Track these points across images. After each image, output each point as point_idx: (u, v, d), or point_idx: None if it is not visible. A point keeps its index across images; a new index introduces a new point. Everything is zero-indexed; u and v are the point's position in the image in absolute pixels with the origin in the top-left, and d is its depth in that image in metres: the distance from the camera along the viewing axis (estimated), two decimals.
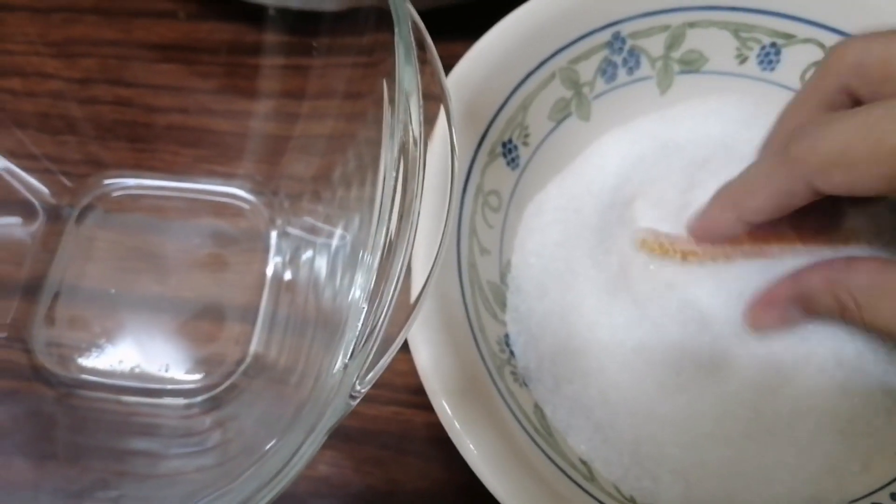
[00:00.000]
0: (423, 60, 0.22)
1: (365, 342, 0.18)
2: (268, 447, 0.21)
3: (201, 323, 0.30)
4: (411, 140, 0.19)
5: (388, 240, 0.18)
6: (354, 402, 0.18)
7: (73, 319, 0.30)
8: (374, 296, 0.18)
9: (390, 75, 0.20)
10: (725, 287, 0.28)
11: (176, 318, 0.30)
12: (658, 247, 0.28)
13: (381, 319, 0.18)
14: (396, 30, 0.21)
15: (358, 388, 0.18)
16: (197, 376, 0.29)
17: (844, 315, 0.23)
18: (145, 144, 0.34)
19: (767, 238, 0.27)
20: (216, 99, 0.35)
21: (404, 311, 0.20)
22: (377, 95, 0.22)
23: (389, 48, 0.20)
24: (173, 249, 0.31)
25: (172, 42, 0.37)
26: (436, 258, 0.20)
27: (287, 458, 0.17)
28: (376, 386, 0.30)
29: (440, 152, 0.25)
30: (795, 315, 0.25)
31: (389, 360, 0.19)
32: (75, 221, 0.32)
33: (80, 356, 0.29)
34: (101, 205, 0.32)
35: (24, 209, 0.32)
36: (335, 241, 0.28)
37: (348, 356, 0.18)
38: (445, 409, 0.23)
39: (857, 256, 0.24)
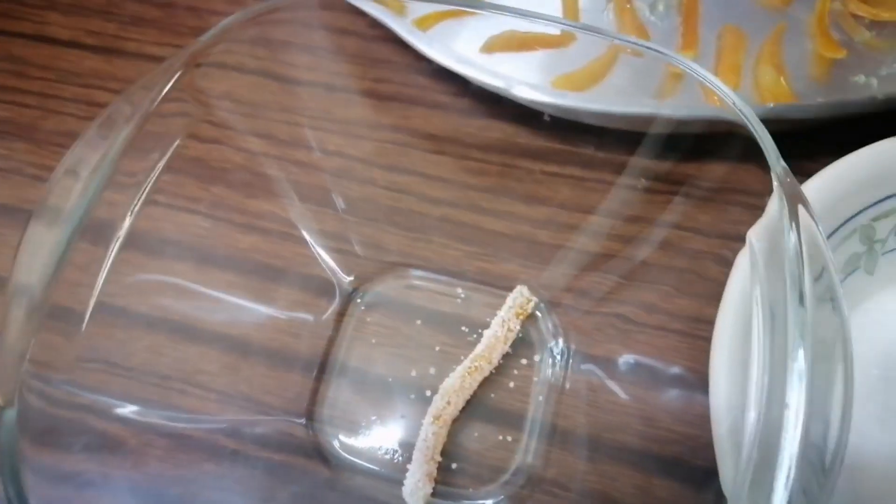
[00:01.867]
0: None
1: None
2: None
3: (478, 425, 0.31)
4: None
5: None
6: None
7: (353, 403, 0.31)
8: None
9: (748, 224, 0.21)
10: None
11: (454, 417, 0.30)
12: None
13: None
14: (777, 186, 0.21)
15: None
16: (474, 481, 0.29)
17: None
18: (420, 234, 0.35)
19: None
20: (485, 197, 0.36)
21: None
22: (731, 240, 0.23)
23: (743, 192, 0.21)
24: (455, 346, 0.32)
25: (444, 134, 0.38)
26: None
27: None
28: None
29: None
30: None
31: None
32: (360, 304, 0.33)
33: (355, 442, 0.30)
34: (380, 289, 0.34)
35: (307, 285, 0.34)
36: (635, 368, 0.29)
37: None
38: None
39: None
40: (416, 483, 0.28)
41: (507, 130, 0.38)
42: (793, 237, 0.20)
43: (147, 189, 0.26)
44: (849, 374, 0.20)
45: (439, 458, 0.29)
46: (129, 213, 0.26)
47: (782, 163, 0.21)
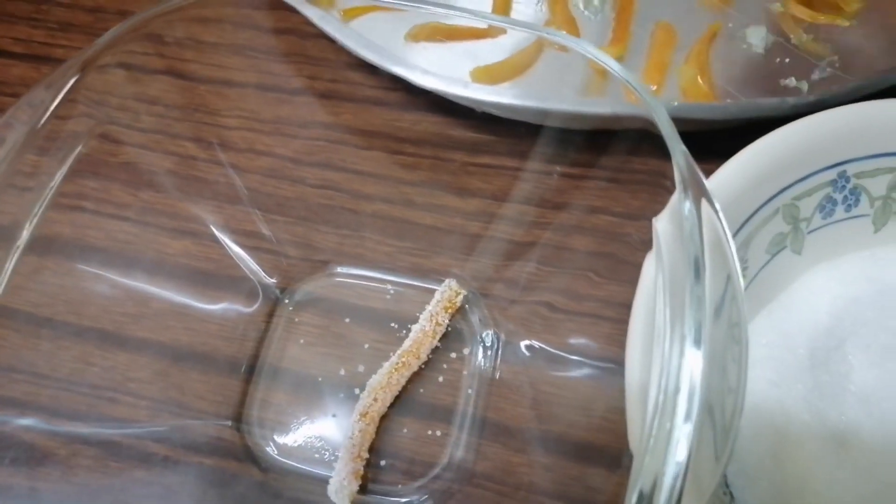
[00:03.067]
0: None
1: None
2: None
3: (408, 421, 0.30)
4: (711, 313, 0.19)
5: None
6: None
7: (282, 404, 0.31)
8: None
9: (653, 203, 0.21)
10: None
11: (381, 414, 0.30)
12: None
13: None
14: (677, 170, 0.21)
15: None
16: (404, 477, 0.29)
17: None
18: (352, 231, 0.35)
19: None
20: (419, 191, 0.36)
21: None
22: (638, 220, 0.23)
23: (650, 174, 0.21)
24: (384, 342, 0.31)
25: (376, 129, 0.38)
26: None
27: None
28: None
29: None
30: None
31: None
32: (288, 304, 0.33)
33: (286, 442, 0.30)
34: (311, 289, 0.33)
35: (238, 288, 0.33)
36: (561, 355, 0.28)
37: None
38: None
39: None
40: (342, 481, 0.28)
41: (439, 123, 0.38)
42: (689, 221, 0.20)
43: (51, 193, 0.26)
44: (743, 348, 0.20)
45: (367, 456, 0.29)
46: (30, 220, 0.25)
47: (684, 150, 0.21)
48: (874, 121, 0.31)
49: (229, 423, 0.31)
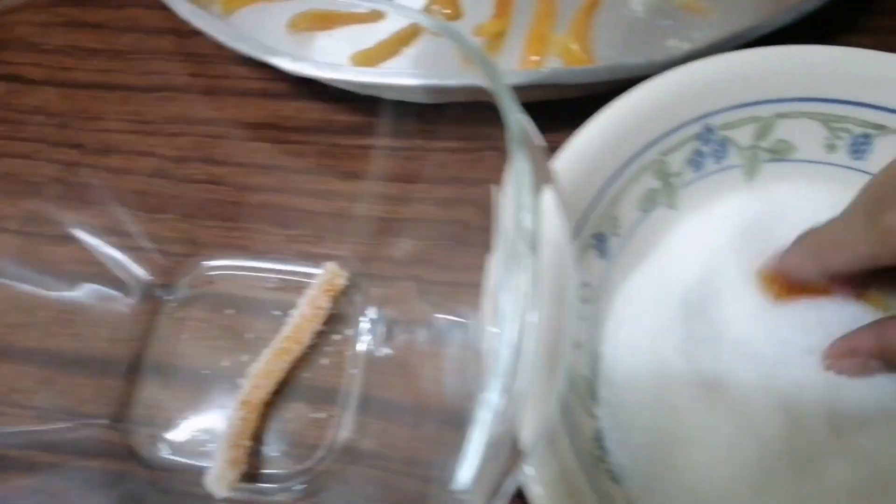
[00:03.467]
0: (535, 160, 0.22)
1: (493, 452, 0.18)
2: None
3: (294, 405, 0.30)
4: (527, 236, 0.19)
5: (515, 333, 0.18)
6: None
7: (166, 400, 0.31)
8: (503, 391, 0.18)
9: (497, 168, 0.21)
10: (820, 378, 0.28)
11: (269, 401, 0.30)
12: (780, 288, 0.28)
13: (510, 420, 0.18)
14: (512, 138, 0.21)
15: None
16: (289, 461, 0.29)
17: None
18: (236, 223, 0.35)
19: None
20: (306, 178, 0.36)
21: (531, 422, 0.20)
22: (483, 185, 0.23)
23: (494, 139, 0.21)
24: (266, 330, 0.31)
25: (262, 121, 0.38)
26: (561, 358, 0.20)
27: None
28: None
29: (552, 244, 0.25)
30: (876, 367, 0.26)
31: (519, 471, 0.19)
32: (170, 301, 0.33)
33: (173, 438, 0.30)
34: (195, 284, 0.33)
35: (122, 288, 0.33)
36: (435, 328, 0.28)
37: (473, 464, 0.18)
38: None
39: None
40: (219, 470, 0.27)
41: (323, 110, 0.38)
42: (519, 186, 0.20)
43: None
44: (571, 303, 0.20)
45: (247, 443, 0.29)
46: None
47: (518, 117, 0.21)
48: (735, 72, 0.31)
49: (115, 424, 0.30)
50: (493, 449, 0.17)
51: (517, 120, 0.22)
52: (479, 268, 0.27)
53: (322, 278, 0.31)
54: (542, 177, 0.22)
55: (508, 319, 0.18)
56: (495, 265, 0.26)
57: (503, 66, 0.37)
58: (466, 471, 0.17)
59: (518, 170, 0.20)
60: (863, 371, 0.26)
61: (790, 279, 0.28)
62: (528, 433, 0.19)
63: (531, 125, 0.22)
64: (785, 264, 0.28)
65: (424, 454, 0.28)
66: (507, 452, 0.18)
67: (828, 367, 0.27)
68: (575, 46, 0.36)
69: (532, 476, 0.23)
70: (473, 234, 0.25)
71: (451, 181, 0.29)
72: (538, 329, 0.19)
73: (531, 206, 0.20)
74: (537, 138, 0.22)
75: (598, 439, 0.27)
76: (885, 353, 0.26)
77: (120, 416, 0.31)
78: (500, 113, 0.22)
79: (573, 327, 0.21)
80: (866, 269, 0.25)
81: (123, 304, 0.33)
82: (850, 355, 0.27)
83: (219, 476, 0.27)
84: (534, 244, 0.19)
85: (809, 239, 0.27)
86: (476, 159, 0.26)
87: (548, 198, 0.22)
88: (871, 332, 0.26)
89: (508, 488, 0.18)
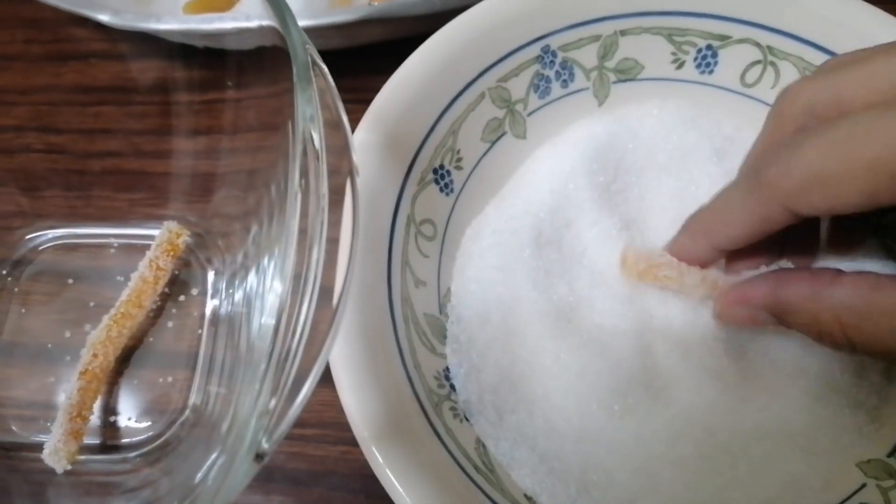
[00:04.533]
0: (326, 101, 0.21)
1: (273, 377, 0.17)
2: None
3: (142, 372, 0.29)
4: (312, 171, 0.19)
5: (295, 265, 0.18)
6: (261, 463, 0.17)
7: (9, 378, 0.29)
8: (286, 321, 0.17)
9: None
10: (674, 303, 0.28)
11: (116, 369, 0.29)
12: (636, 272, 0.27)
13: (293, 347, 0.18)
14: (294, 70, 0.20)
15: (265, 445, 0.18)
16: (139, 429, 0.28)
17: (822, 339, 0.22)
18: (80, 192, 0.33)
19: (748, 257, 0.26)
20: (149, 140, 0.34)
21: (316, 346, 0.19)
22: (288, 129, 0.22)
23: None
24: (110, 297, 0.30)
25: (104, 84, 0.36)
26: (344, 285, 0.19)
27: None
28: (323, 426, 0.29)
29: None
30: (767, 320, 0.24)
31: (303, 403, 0.18)
32: (7, 276, 0.31)
33: (18, 416, 0.29)
34: (35, 257, 0.32)
35: None
36: (259, 275, 0.27)
37: (254, 394, 0.17)
38: (376, 456, 0.22)
39: (844, 271, 0.22)
40: (57, 443, 0.26)
41: (165, 68, 0.36)
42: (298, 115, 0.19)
43: None
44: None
45: (89, 415, 0.28)
46: None
47: (303, 52, 0.20)
48: None
49: None
50: (269, 385, 0.17)
51: (296, 51, 0.21)
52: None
53: (161, 238, 0.30)
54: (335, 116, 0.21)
55: (286, 260, 0.17)
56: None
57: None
58: (247, 405, 0.17)
59: (297, 102, 0.19)
60: (752, 323, 0.25)
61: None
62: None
63: (318, 59, 0.21)
64: (676, 247, 0.26)
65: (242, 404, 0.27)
66: (284, 386, 0.17)
67: (717, 316, 0.26)
68: None
69: (360, 426, 0.22)
70: (283, 178, 0.24)
71: (266, 127, 0.27)
72: (317, 265, 0.18)
73: (309, 143, 0.19)
74: (324, 74, 0.21)
75: (444, 378, 0.27)
76: (777, 307, 0.23)
77: None
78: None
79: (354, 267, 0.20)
80: (756, 235, 0.23)
81: None
82: (742, 304, 0.25)
83: (56, 450, 0.26)
84: (314, 182, 0.18)
85: (697, 218, 0.25)
86: (282, 103, 0.25)
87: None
88: (767, 283, 0.24)
89: (290, 417, 0.18)
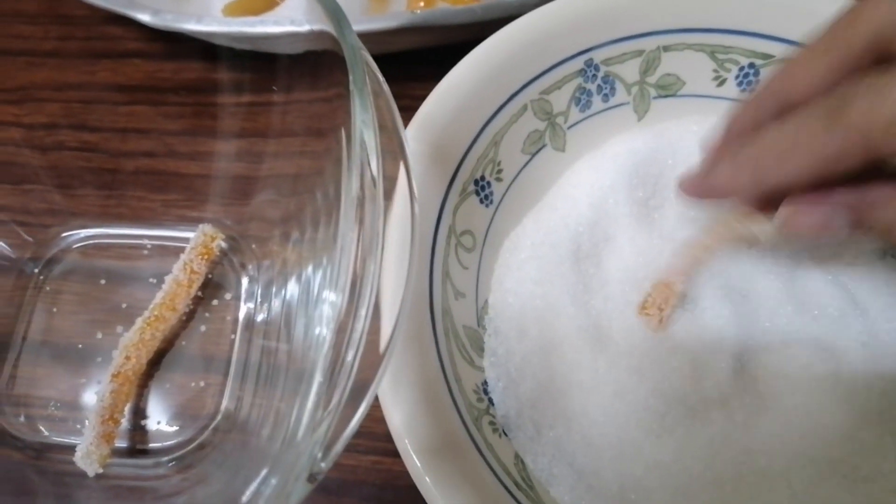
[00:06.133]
0: (380, 105, 0.21)
1: (327, 392, 0.17)
2: None
3: (173, 376, 0.29)
4: (369, 180, 0.18)
5: (352, 276, 0.17)
6: (314, 484, 0.17)
7: (39, 378, 0.29)
8: (340, 333, 0.17)
9: (349, 116, 0.20)
10: (712, 324, 0.27)
11: (146, 372, 0.29)
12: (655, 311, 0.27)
13: (349, 362, 0.17)
14: (351, 77, 0.20)
15: (321, 465, 0.17)
16: (170, 433, 0.28)
17: None
18: (112, 191, 0.33)
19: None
20: (184, 140, 0.34)
21: (372, 365, 0.19)
22: (339, 135, 0.22)
23: (347, 88, 0.20)
24: (143, 299, 0.30)
25: (138, 83, 0.36)
26: (402, 303, 0.19)
27: None
28: (354, 435, 0.29)
29: (402, 194, 0.24)
30: (843, 223, 0.22)
31: (360, 420, 0.18)
32: (40, 275, 0.31)
33: (47, 416, 0.28)
34: (67, 256, 0.32)
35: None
36: (303, 283, 0.27)
37: (308, 409, 0.17)
38: (419, 469, 0.22)
39: None
40: (89, 446, 0.26)
41: (200, 69, 0.36)
42: (357, 124, 0.19)
43: None
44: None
45: (120, 418, 0.27)
46: None
47: (358, 57, 0.20)
48: (614, 4, 0.30)
49: None
50: (323, 400, 0.16)
51: (354, 59, 0.21)
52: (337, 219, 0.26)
53: (196, 241, 0.30)
54: (389, 121, 0.21)
55: (343, 270, 0.17)
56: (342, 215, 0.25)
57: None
58: (302, 422, 0.16)
59: (355, 111, 0.19)
60: (824, 228, 0.22)
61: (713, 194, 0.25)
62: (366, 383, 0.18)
63: (374, 66, 0.21)
64: (712, 177, 0.24)
65: (289, 415, 0.27)
66: (339, 402, 0.17)
67: (783, 217, 0.23)
68: None
69: (403, 439, 0.22)
70: (330, 185, 0.24)
71: (313, 132, 0.27)
72: (373, 278, 0.18)
73: (367, 152, 0.19)
74: (380, 81, 0.21)
75: (483, 392, 0.27)
76: (861, 202, 0.21)
77: None
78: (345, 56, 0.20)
79: (413, 277, 0.20)
80: (818, 177, 0.21)
81: None
82: (819, 203, 0.22)
83: (89, 452, 0.26)
84: (370, 192, 0.18)
85: (745, 152, 0.23)
86: (331, 109, 0.25)
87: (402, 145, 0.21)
88: (853, 188, 0.22)
89: (348, 434, 0.18)
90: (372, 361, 0.18)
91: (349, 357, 0.17)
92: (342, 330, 0.17)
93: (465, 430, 0.24)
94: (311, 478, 0.17)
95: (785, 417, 0.26)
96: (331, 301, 0.17)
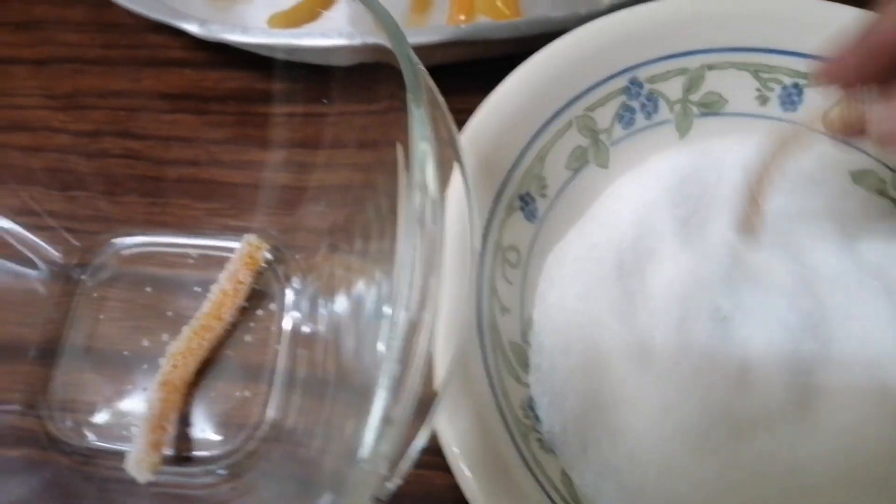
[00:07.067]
0: (436, 118, 0.21)
1: (394, 410, 0.17)
2: None
3: (217, 384, 0.29)
4: (430, 195, 0.19)
5: (417, 293, 0.17)
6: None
7: (86, 384, 0.29)
8: (405, 350, 0.17)
9: (404, 129, 0.20)
10: (758, 338, 0.27)
11: (191, 381, 0.29)
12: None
13: (415, 381, 0.17)
14: (410, 93, 0.20)
15: (388, 485, 0.17)
16: (216, 442, 0.28)
17: None
18: (156, 199, 0.33)
19: None
20: (227, 149, 0.34)
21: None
22: (393, 147, 0.22)
23: (403, 100, 0.20)
24: (188, 308, 0.30)
25: (182, 91, 0.36)
26: (462, 318, 0.19)
27: None
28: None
29: (457, 211, 0.24)
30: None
31: (425, 439, 0.18)
32: (87, 281, 0.31)
33: (94, 422, 0.29)
34: (113, 262, 0.32)
35: (35, 270, 0.32)
36: (354, 297, 0.27)
37: (372, 426, 0.17)
38: (475, 488, 0.22)
39: None
40: (140, 454, 0.26)
41: (244, 78, 0.36)
42: (417, 140, 0.19)
43: None
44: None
45: (169, 426, 0.28)
46: None
47: (415, 73, 0.20)
48: (660, 22, 0.30)
49: (29, 410, 0.29)
50: (390, 417, 0.17)
51: (413, 74, 0.21)
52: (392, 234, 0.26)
53: (242, 251, 0.30)
54: (444, 134, 0.21)
55: (405, 286, 0.17)
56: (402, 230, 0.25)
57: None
58: (366, 440, 0.17)
59: (415, 126, 0.19)
60: (857, 76, 0.21)
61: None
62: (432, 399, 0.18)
63: (430, 81, 0.21)
64: (841, 59, 0.22)
65: (342, 429, 0.27)
66: (406, 420, 0.17)
67: (878, 140, 0.22)
68: (501, 4, 0.35)
69: (455, 453, 0.22)
70: (383, 198, 0.24)
71: (363, 144, 0.28)
72: (435, 295, 0.18)
73: (428, 169, 0.19)
74: (435, 94, 0.21)
75: (529, 408, 0.27)
76: None
77: (36, 401, 0.29)
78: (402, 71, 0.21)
79: (471, 292, 0.20)
80: None
81: (36, 286, 0.31)
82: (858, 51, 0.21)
83: (140, 460, 0.26)
84: (431, 209, 0.18)
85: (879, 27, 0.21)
86: (384, 121, 0.25)
87: (457, 159, 0.22)
88: None
89: (412, 453, 0.18)
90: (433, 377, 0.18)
91: (414, 373, 0.18)
92: (406, 346, 0.18)
93: (514, 447, 0.24)
94: (377, 501, 0.17)
95: (831, 434, 0.26)
96: (392, 317, 0.18)
